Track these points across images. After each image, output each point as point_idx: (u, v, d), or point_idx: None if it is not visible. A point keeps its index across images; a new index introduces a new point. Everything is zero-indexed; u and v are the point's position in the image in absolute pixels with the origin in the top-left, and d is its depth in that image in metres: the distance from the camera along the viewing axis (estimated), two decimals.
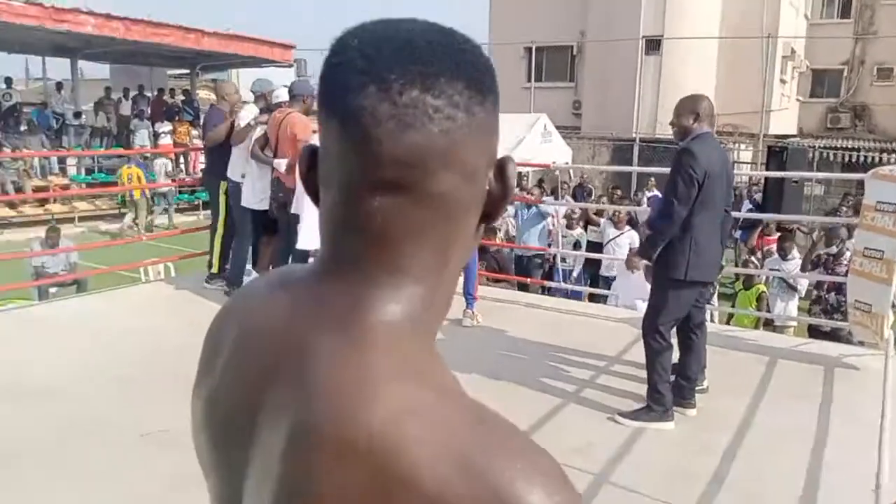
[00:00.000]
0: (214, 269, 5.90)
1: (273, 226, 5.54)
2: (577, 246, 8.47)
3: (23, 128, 14.54)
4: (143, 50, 14.90)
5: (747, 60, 18.09)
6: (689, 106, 3.60)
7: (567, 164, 12.30)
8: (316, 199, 0.60)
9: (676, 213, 3.44)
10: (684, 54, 17.51)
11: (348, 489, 0.48)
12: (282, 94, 5.57)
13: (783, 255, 7.16)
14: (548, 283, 7.57)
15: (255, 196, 5.47)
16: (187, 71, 19.16)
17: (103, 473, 2.99)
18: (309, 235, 4.93)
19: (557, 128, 13.16)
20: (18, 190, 13.54)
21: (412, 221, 0.55)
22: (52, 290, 7.39)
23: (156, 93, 17.86)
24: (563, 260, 8.42)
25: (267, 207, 5.43)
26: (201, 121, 16.62)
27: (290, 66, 17.57)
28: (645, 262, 3.80)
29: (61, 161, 15.15)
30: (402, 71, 0.52)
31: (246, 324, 0.62)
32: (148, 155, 14.82)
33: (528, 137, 11.56)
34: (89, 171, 15.98)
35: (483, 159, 0.57)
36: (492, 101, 0.57)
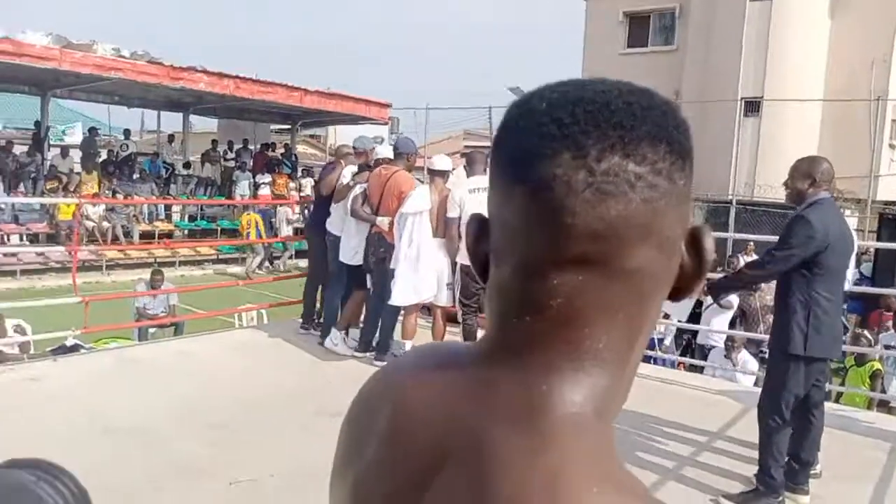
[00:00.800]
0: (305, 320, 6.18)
1: (361, 280, 5.67)
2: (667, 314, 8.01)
3: (136, 176, 15.53)
4: (250, 106, 15.74)
5: (853, 123, 17.35)
6: (806, 169, 3.38)
7: None
8: (483, 274, 0.55)
9: (772, 264, 3.31)
10: (785, 116, 16.98)
11: None
12: (384, 152, 5.68)
13: None
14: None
15: (350, 251, 5.57)
16: (288, 126, 20.09)
17: None
18: (404, 291, 5.05)
19: None
20: (127, 234, 14.37)
21: (601, 301, 0.49)
22: (151, 330, 7.70)
23: (259, 146, 18.77)
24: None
25: (360, 262, 5.53)
26: (299, 173, 17.36)
27: (385, 123, 18.12)
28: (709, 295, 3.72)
29: (167, 207, 16.03)
30: (600, 136, 0.47)
31: (402, 406, 0.56)
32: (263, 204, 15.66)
33: None
34: (192, 218, 16.81)
35: (680, 230, 0.51)
36: (690, 166, 0.51)
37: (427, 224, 5.11)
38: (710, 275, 4.35)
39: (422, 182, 5.67)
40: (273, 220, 16.18)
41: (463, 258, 4.96)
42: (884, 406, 6.19)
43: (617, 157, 0.47)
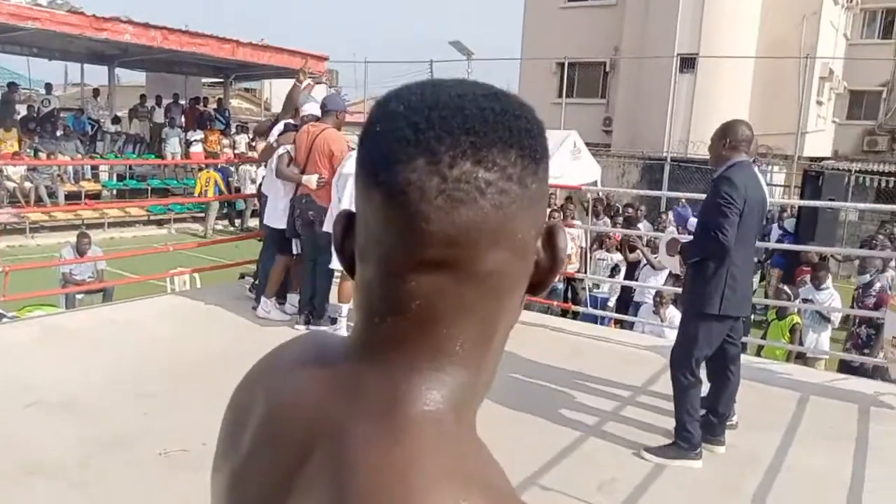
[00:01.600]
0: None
1: (287, 245, 5.42)
2: (614, 271, 8.00)
3: (59, 133, 14.83)
4: (179, 59, 15.14)
5: (783, 81, 17.83)
6: (723, 133, 3.48)
7: (597, 185, 12.18)
8: (350, 270, 0.56)
9: (728, 229, 3.29)
10: (719, 73, 17.30)
11: None
12: (310, 109, 5.43)
13: (817, 284, 6.97)
14: (575, 308, 7.42)
15: (277, 214, 5.35)
16: (221, 80, 19.42)
17: (120, 492, 2.98)
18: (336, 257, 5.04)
19: (587, 144, 13.05)
20: (52, 195, 13.78)
21: (458, 302, 0.51)
22: (79, 297, 7.46)
23: (189, 101, 18.12)
24: (597, 286, 8.18)
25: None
26: (233, 129, 16.99)
27: (323, 77, 17.71)
28: (677, 256, 3.71)
29: (94, 167, 15.40)
30: (453, 142, 0.48)
31: (275, 399, 0.58)
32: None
33: (558, 154, 11.48)
34: (121, 178, 16.22)
35: (533, 231, 0.53)
36: (544, 169, 0.53)
37: None
38: (679, 237, 4.37)
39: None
40: (231, 178, 15.92)
41: None
42: (801, 358, 6.52)
43: (468, 163, 0.48)
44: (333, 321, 5.18)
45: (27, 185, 13.46)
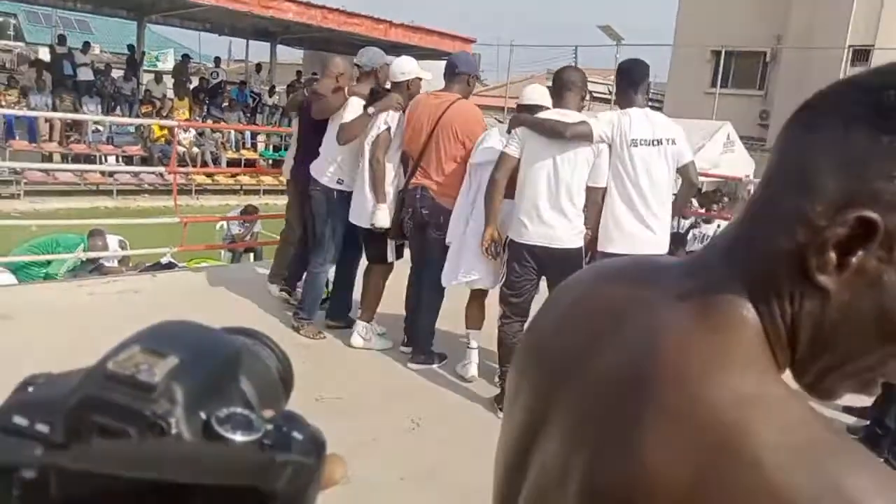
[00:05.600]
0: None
1: (380, 250, 4.22)
2: None
3: (224, 104, 15.95)
4: (336, 38, 15.79)
5: None
6: None
7: (750, 177, 11.55)
8: None
9: None
10: None
11: (678, 453, 0.49)
12: (413, 71, 4.12)
13: None
14: None
15: (367, 210, 4.09)
16: None
17: None
18: (456, 268, 3.75)
19: (741, 138, 12.40)
20: (216, 160, 14.87)
21: None
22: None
23: None
24: None
25: (386, 225, 4.05)
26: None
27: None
28: None
29: (253, 136, 16.44)
30: None
31: (590, 285, 0.68)
32: None
33: (709, 146, 10.99)
34: (276, 149, 17.22)
35: None
36: None
37: None
38: None
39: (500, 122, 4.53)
40: None
41: (514, 232, 3.49)
42: None
43: None
44: (441, 357, 4.04)
45: (195, 150, 14.59)
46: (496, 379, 3.74)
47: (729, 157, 11.55)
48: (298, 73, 18.82)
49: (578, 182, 3.36)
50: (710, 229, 8.05)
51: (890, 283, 0.52)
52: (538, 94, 3.77)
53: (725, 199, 9.30)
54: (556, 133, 3.28)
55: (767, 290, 0.55)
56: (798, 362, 0.56)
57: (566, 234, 3.38)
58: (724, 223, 8.02)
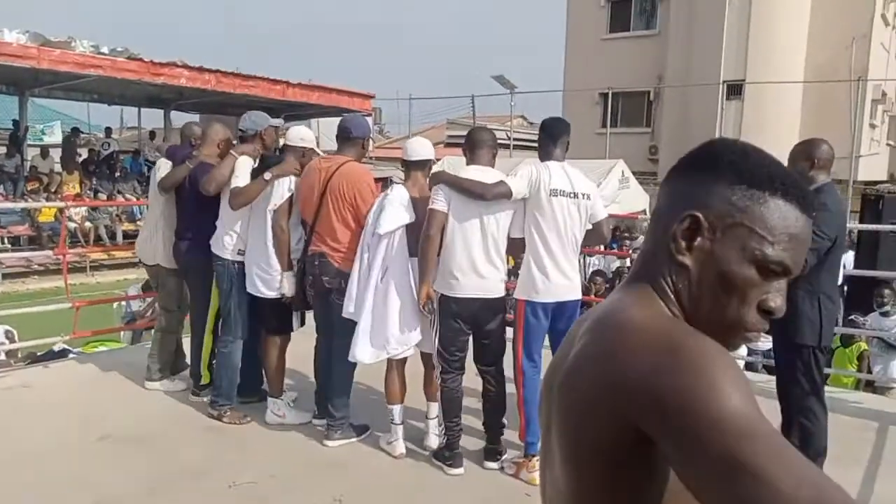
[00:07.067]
0: (205, 379, 4.42)
1: (283, 320, 4.12)
2: None
3: (117, 174, 15.36)
4: (232, 101, 15.59)
5: (834, 105, 17.45)
6: (806, 151, 3.29)
7: (646, 213, 12.05)
8: None
9: (813, 254, 3.04)
10: (767, 99, 17.07)
11: (592, 337, 0.86)
12: (304, 136, 4.11)
13: (883, 311, 6.72)
14: None
15: (272, 279, 3.96)
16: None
17: None
18: (375, 344, 3.58)
19: (633, 173, 12.96)
20: (111, 235, 14.23)
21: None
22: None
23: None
24: None
25: (286, 294, 3.95)
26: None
27: (369, 115, 18.04)
28: None
29: None
30: None
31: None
32: None
33: (606, 183, 11.42)
34: None
35: None
36: None
37: (403, 242, 3.57)
38: None
39: (390, 181, 4.18)
40: None
41: (444, 285, 3.48)
42: (870, 386, 6.27)
43: None
44: (362, 429, 3.90)
45: (87, 224, 13.94)
46: (439, 432, 3.69)
47: (625, 193, 12.03)
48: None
49: (503, 235, 3.48)
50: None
51: (719, 254, 0.85)
52: (426, 149, 3.75)
53: (626, 235, 9.65)
54: (477, 196, 3.38)
55: (660, 274, 0.89)
56: (693, 320, 0.86)
57: (497, 284, 3.50)
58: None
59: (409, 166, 3.70)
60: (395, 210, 3.54)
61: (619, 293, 0.91)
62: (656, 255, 0.89)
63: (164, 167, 4.55)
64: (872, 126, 19.37)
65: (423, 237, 3.45)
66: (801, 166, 3.25)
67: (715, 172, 0.86)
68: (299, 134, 4.17)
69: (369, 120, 18.35)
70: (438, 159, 4.53)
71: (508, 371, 3.60)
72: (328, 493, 3.23)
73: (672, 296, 0.87)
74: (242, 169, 3.99)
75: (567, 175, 3.48)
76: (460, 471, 3.49)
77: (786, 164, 3.14)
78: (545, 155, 3.56)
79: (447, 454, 3.53)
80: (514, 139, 18.76)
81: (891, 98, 20.49)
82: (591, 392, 0.79)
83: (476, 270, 3.43)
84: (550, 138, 3.58)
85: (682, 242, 0.86)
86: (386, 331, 3.57)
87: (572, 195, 3.45)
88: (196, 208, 4.25)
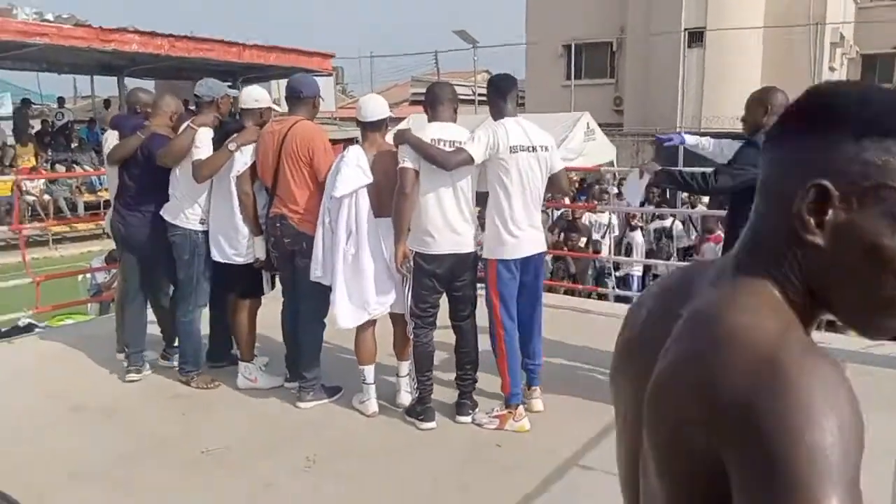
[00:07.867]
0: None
1: (252, 284, 4.12)
2: (629, 249, 8.32)
3: (73, 145, 14.95)
4: (188, 65, 15.19)
5: (794, 49, 17.61)
6: (760, 98, 3.39)
7: (613, 165, 12.10)
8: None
9: (721, 176, 3.28)
10: (728, 45, 17.13)
11: (688, 335, 0.75)
12: (261, 99, 4.07)
13: None
14: (602, 291, 7.41)
15: (240, 245, 3.98)
16: (230, 83, 19.48)
17: (166, 491, 3.01)
18: (350, 308, 3.59)
19: (599, 125, 12.98)
20: (72, 207, 13.91)
21: None
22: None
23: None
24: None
25: (252, 259, 3.99)
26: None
27: (330, 75, 17.71)
28: (649, 173, 3.64)
29: None
30: None
31: (664, 286, 0.89)
32: None
33: (572, 136, 11.42)
34: None
35: None
36: None
37: (366, 204, 3.55)
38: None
39: (355, 141, 4.00)
40: None
41: (418, 243, 3.51)
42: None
43: None
44: (334, 390, 3.89)
45: (46, 197, 13.60)
46: (410, 388, 3.73)
47: (591, 145, 12.06)
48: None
49: (472, 190, 3.54)
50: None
51: (862, 226, 0.69)
52: (381, 108, 3.69)
53: (596, 187, 9.76)
54: (440, 166, 3.38)
55: (779, 262, 0.74)
56: (829, 305, 0.74)
57: (470, 239, 3.55)
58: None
59: (365, 127, 3.68)
60: (350, 172, 3.51)
61: (720, 288, 0.77)
62: (770, 238, 0.75)
63: (111, 138, 4.43)
64: (832, 69, 19.59)
65: (397, 195, 3.44)
66: (757, 113, 3.36)
67: (834, 126, 0.71)
68: (252, 95, 4.11)
69: (330, 80, 17.87)
70: (402, 118, 4.49)
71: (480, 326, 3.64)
72: (301, 453, 3.25)
73: (798, 284, 0.73)
74: (204, 140, 3.92)
75: (524, 129, 3.51)
76: (432, 425, 3.53)
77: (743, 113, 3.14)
78: (497, 113, 3.58)
79: (419, 409, 3.57)
80: (479, 94, 18.61)
81: (849, 41, 20.69)
82: (682, 407, 0.70)
83: (451, 227, 3.46)
84: (500, 95, 3.59)
85: (811, 219, 0.70)
86: (364, 294, 3.58)
87: (531, 149, 3.48)
88: (150, 180, 4.15)
